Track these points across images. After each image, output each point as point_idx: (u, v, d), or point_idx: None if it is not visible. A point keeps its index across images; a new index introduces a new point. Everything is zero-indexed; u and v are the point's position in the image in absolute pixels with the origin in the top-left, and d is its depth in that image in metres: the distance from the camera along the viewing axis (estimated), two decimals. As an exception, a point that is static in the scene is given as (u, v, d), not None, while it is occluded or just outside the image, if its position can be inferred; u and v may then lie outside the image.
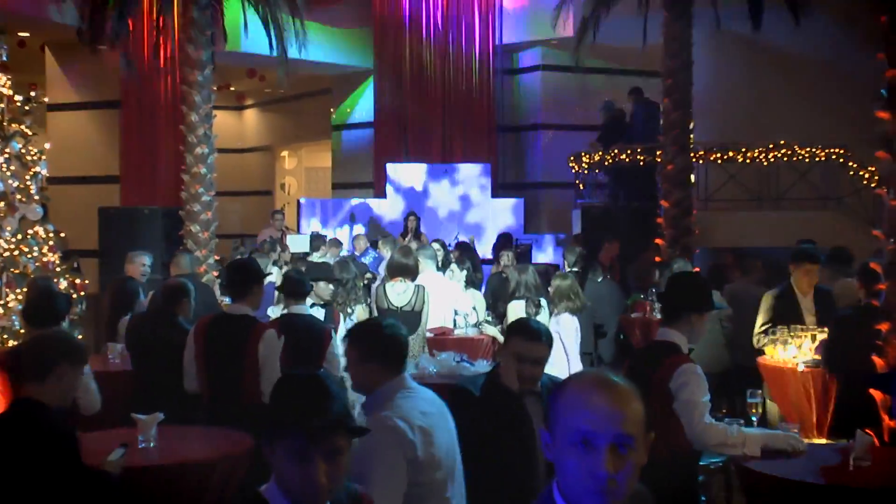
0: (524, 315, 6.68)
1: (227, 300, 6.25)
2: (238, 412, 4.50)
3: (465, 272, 8.43)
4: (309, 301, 5.73)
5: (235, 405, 4.57)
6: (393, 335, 3.01)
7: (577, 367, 7.27)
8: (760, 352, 6.29)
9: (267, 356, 4.60)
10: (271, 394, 1.97)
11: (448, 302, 7.58)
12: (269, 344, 4.62)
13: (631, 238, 11.36)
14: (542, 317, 6.72)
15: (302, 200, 15.68)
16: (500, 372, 3.44)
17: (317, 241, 11.04)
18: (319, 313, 5.89)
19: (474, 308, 7.70)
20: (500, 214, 14.77)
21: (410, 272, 6.76)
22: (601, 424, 1.63)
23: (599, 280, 8.69)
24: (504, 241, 11.15)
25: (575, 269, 8.49)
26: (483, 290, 9.67)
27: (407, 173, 15.10)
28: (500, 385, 3.40)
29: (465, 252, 9.64)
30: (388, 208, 14.94)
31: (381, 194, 15.44)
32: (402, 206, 14.77)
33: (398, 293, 6.69)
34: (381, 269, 9.57)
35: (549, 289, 6.65)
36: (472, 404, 3.36)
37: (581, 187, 13.67)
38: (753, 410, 4.18)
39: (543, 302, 6.78)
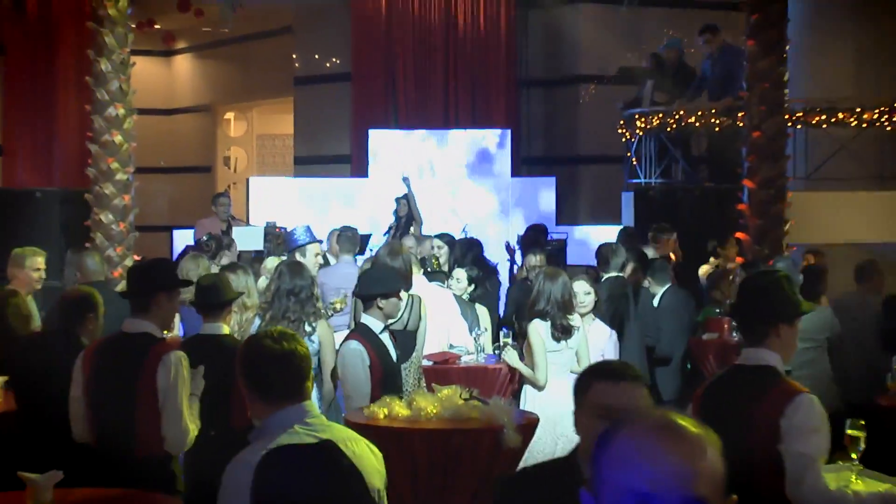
0: (547, 339, 6.68)
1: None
2: (132, 467, 4.54)
3: (469, 282, 8.43)
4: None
5: (128, 457, 4.62)
6: (280, 353, 3.18)
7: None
8: (883, 387, 6.30)
9: (167, 389, 4.63)
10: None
11: (446, 319, 7.59)
12: (170, 371, 4.66)
13: (702, 231, 11.33)
14: (574, 345, 6.70)
15: (253, 180, 15.74)
16: (580, 454, 2.97)
17: (272, 236, 11.02)
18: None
19: (485, 329, 7.76)
20: (525, 199, 14.83)
21: (403, 277, 6.82)
22: (665, 484, 1.64)
23: (665, 289, 8.62)
24: (535, 235, 11.14)
25: (619, 273, 8.45)
26: (503, 302, 9.64)
27: (397, 144, 15.15)
28: (579, 474, 2.91)
29: (470, 250, 9.63)
30: (371, 191, 14.95)
31: (361, 172, 15.48)
32: (391, 188, 14.75)
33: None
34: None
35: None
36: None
37: (634, 162, 13.69)
38: (854, 445, 4.21)
39: (576, 320, 6.80)
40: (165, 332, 5.13)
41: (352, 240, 9.09)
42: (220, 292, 5.66)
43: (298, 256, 7.84)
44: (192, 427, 4.74)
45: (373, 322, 5.99)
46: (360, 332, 6.00)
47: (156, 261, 5.41)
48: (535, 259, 9.07)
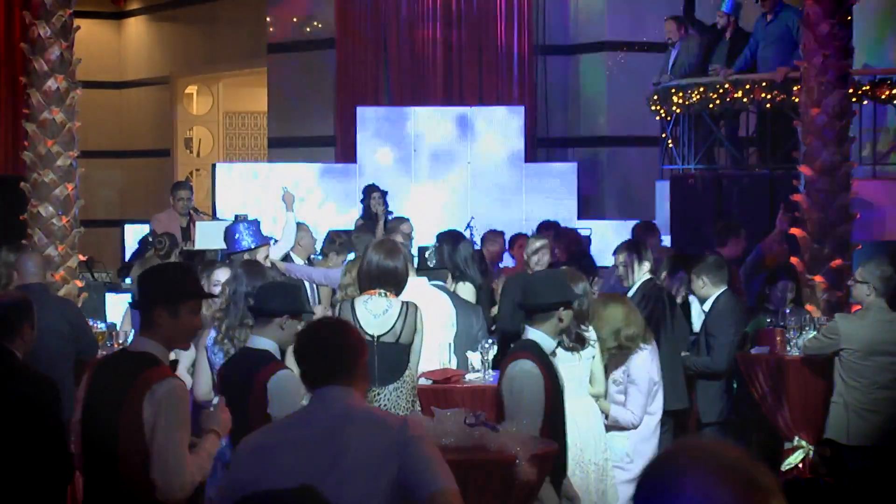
0: (559, 350, 6.63)
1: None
2: None
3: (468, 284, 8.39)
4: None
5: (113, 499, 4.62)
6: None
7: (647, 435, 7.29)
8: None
9: (154, 424, 4.56)
10: None
11: (443, 328, 7.61)
12: (158, 402, 4.57)
13: (751, 226, 11.32)
14: (588, 356, 6.75)
15: (220, 166, 15.70)
16: None
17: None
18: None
19: (492, 342, 7.77)
20: (542, 187, 14.78)
21: (395, 281, 6.83)
22: None
23: (720, 292, 8.65)
24: (548, 232, 11.14)
25: (649, 276, 8.48)
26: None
27: (389, 123, 15.11)
28: None
29: (457, 244, 9.64)
30: (360, 177, 14.93)
31: (348, 156, 15.44)
32: (381, 174, 14.74)
33: (375, 315, 6.75)
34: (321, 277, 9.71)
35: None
36: None
37: (670, 144, 13.66)
38: None
39: (592, 334, 6.81)
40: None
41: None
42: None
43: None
44: (194, 472, 4.61)
45: (543, 338, 5.96)
46: (530, 350, 5.92)
47: (162, 266, 5.34)
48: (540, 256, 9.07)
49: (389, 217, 12.46)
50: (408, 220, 11.37)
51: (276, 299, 5.76)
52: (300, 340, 4.28)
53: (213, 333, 6.42)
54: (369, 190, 13.16)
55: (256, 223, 8.78)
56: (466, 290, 8.68)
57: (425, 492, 3.86)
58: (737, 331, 8.50)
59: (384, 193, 12.99)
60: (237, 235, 8.45)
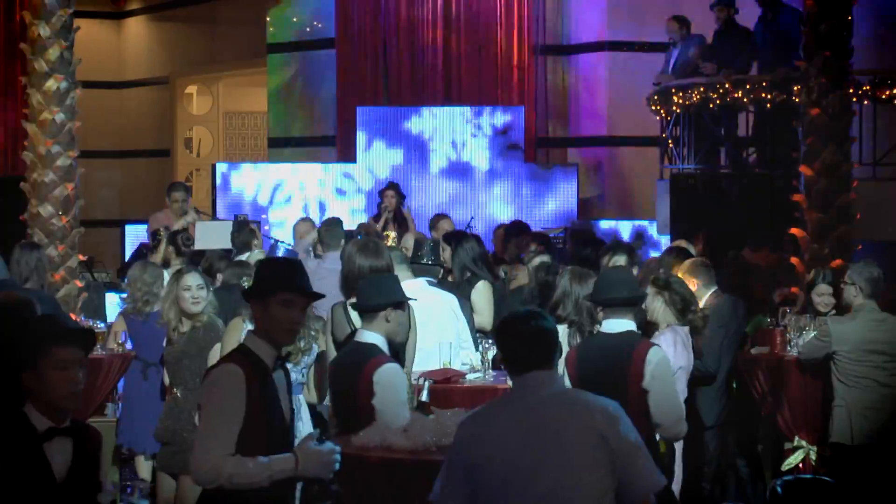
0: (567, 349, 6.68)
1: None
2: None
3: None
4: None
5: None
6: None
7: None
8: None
9: (201, 407, 4.77)
10: None
11: (445, 326, 7.60)
12: (206, 388, 4.70)
13: (751, 225, 11.29)
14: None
15: (220, 166, 15.70)
16: None
17: (244, 231, 11.01)
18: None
19: (491, 342, 7.78)
20: (542, 188, 14.80)
21: None
22: None
23: (710, 293, 8.63)
24: (518, 231, 11.17)
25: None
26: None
27: (389, 123, 15.13)
28: None
29: (461, 243, 9.63)
30: (361, 178, 14.92)
31: (348, 156, 15.42)
32: (381, 174, 14.74)
33: None
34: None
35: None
36: None
37: (670, 145, 13.67)
38: None
39: None
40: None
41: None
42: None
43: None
44: (228, 468, 4.51)
45: None
46: None
47: (274, 260, 5.29)
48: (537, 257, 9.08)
49: (405, 213, 12.47)
50: (448, 216, 11.37)
51: (377, 294, 5.97)
52: (502, 329, 4.50)
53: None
54: (386, 187, 13.06)
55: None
56: (483, 289, 8.60)
57: (640, 491, 4.22)
58: (728, 332, 8.44)
59: (402, 194, 12.92)
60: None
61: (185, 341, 7.47)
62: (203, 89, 20.58)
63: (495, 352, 7.73)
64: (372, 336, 5.94)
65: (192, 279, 7.53)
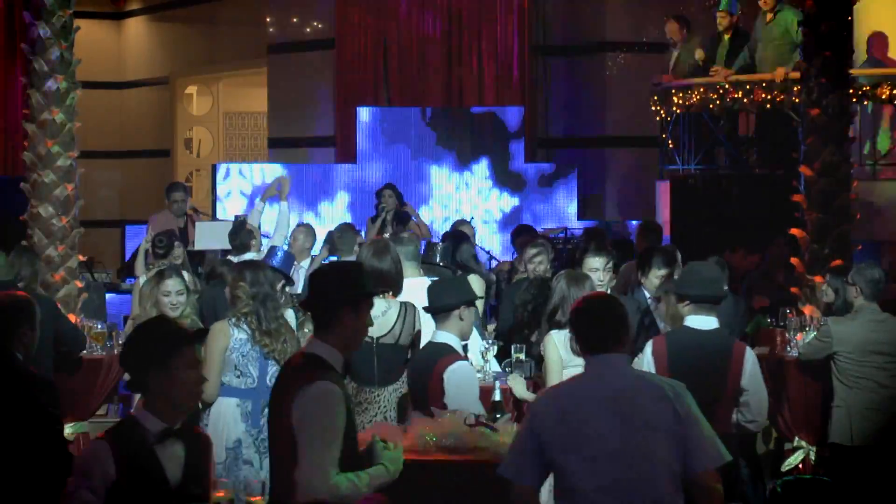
0: (567, 354, 6.73)
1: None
2: None
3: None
4: None
5: None
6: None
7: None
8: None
9: (299, 425, 4.52)
10: None
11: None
12: (305, 404, 4.50)
13: (750, 226, 11.29)
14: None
15: (220, 166, 15.73)
16: None
17: (243, 232, 11.00)
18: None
19: (493, 341, 7.80)
20: (542, 188, 14.84)
21: (390, 282, 6.81)
22: None
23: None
24: (521, 232, 11.18)
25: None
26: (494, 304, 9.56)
27: (389, 123, 15.15)
28: None
29: (460, 243, 9.69)
30: (360, 178, 14.92)
31: (348, 156, 15.44)
32: (381, 175, 14.74)
33: (374, 316, 6.63)
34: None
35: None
36: None
37: (670, 145, 13.69)
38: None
39: None
40: None
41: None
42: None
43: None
44: (340, 486, 4.45)
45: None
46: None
47: (342, 264, 5.19)
48: (539, 260, 9.00)
49: (407, 213, 12.49)
50: (469, 222, 11.39)
51: (448, 294, 6.17)
52: (579, 312, 4.69)
53: (242, 336, 6.63)
54: (384, 187, 13.02)
55: (291, 259, 8.80)
56: (475, 282, 8.62)
57: (702, 465, 4.45)
58: (729, 331, 8.45)
59: (400, 193, 12.88)
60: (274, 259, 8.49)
61: None
62: (203, 89, 20.58)
63: (495, 351, 7.76)
64: (445, 336, 6.12)
65: (173, 284, 7.57)
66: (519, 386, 7.09)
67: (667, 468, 4.42)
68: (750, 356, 6.36)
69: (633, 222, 14.23)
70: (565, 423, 4.46)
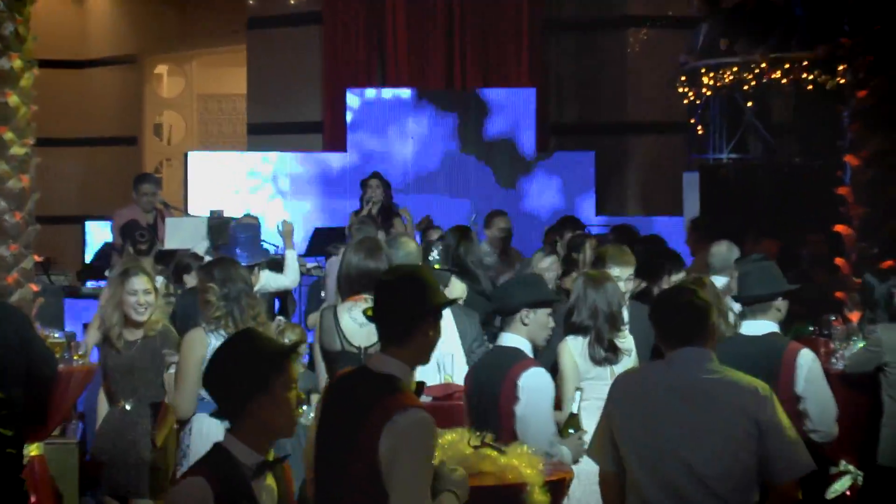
0: (583, 362, 6.75)
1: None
2: None
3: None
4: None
5: None
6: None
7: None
8: None
9: (392, 459, 4.42)
10: None
11: (447, 338, 7.61)
12: (398, 436, 4.38)
13: (790, 221, 11.30)
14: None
15: (193, 155, 15.75)
16: None
17: (224, 230, 11.00)
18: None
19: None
20: (554, 180, 14.87)
21: None
22: None
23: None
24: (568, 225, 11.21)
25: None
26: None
27: (384, 107, 15.17)
28: None
29: (462, 241, 9.68)
30: (350, 168, 14.93)
31: (337, 144, 15.49)
32: (374, 164, 14.71)
33: (361, 324, 6.75)
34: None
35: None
36: None
37: (700, 131, 13.64)
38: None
39: (629, 343, 6.91)
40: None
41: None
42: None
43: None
44: None
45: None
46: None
47: (412, 270, 4.95)
48: (547, 261, 9.09)
49: (396, 208, 12.50)
50: (505, 213, 11.42)
51: (513, 294, 6.26)
52: (658, 303, 5.11)
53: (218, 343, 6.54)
54: (370, 177, 12.88)
55: (257, 231, 8.74)
56: (457, 286, 8.68)
57: (784, 476, 4.78)
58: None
59: (387, 184, 12.80)
60: (239, 250, 8.43)
61: (137, 350, 7.46)
62: (175, 69, 20.65)
63: None
64: (513, 339, 6.19)
65: (139, 282, 7.48)
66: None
67: (729, 471, 4.73)
68: (805, 359, 6.40)
69: (658, 218, 14.25)
70: (629, 403, 4.92)
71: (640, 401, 4.89)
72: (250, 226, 9.54)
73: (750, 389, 4.80)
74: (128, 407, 7.48)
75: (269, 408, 4.12)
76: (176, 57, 20.24)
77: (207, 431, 6.56)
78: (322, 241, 12.03)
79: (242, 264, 7.66)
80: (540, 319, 6.20)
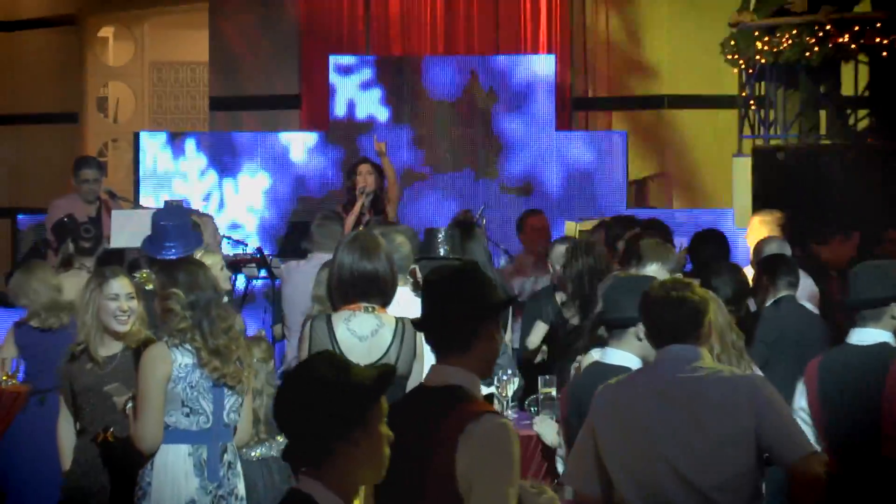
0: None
1: None
2: None
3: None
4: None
5: None
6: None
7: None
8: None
9: (473, 474, 4.58)
10: None
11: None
12: (477, 448, 4.54)
13: (860, 212, 11.50)
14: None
15: (145, 135, 15.77)
16: None
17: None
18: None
19: (511, 373, 8.05)
20: (578, 163, 14.94)
21: (378, 288, 6.86)
22: None
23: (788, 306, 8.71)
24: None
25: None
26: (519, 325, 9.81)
27: (375, 77, 15.27)
28: None
29: (467, 236, 9.67)
30: (334, 150, 14.87)
31: (317, 122, 15.63)
32: (361, 146, 14.73)
33: (361, 337, 6.80)
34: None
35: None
36: None
37: (752, 107, 13.63)
38: None
39: None
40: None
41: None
42: None
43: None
44: None
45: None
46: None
47: (463, 268, 4.94)
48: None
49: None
50: (542, 211, 11.58)
51: (628, 302, 6.11)
52: (646, 298, 5.38)
53: (186, 361, 6.73)
54: (358, 162, 12.91)
55: (185, 216, 8.65)
56: None
57: (792, 456, 5.15)
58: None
59: (379, 169, 12.74)
60: (167, 242, 8.36)
61: (118, 365, 7.35)
62: (122, 32, 20.74)
63: (516, 385, 8.05)
64: (622, 357, 6.16)
65: (120, 286, 7.36)
66: (549, 431, 7.33)
67: (726, 478, 5.14)
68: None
69: (701, 211, 14.20)
70: (616, 412, 5.24)
71: (625, 411, 5.22)
72: (177, 211, 9.48)
73: (743, 381, 5.24)
74: (110, 437, 7.32)
75: (364, 446, 4.00)
76: (123, 17, 20.30)
77: (173, 465, 6.61)
78: (299, 239, 12.12)
79: (174, 258, 7.92)
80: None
